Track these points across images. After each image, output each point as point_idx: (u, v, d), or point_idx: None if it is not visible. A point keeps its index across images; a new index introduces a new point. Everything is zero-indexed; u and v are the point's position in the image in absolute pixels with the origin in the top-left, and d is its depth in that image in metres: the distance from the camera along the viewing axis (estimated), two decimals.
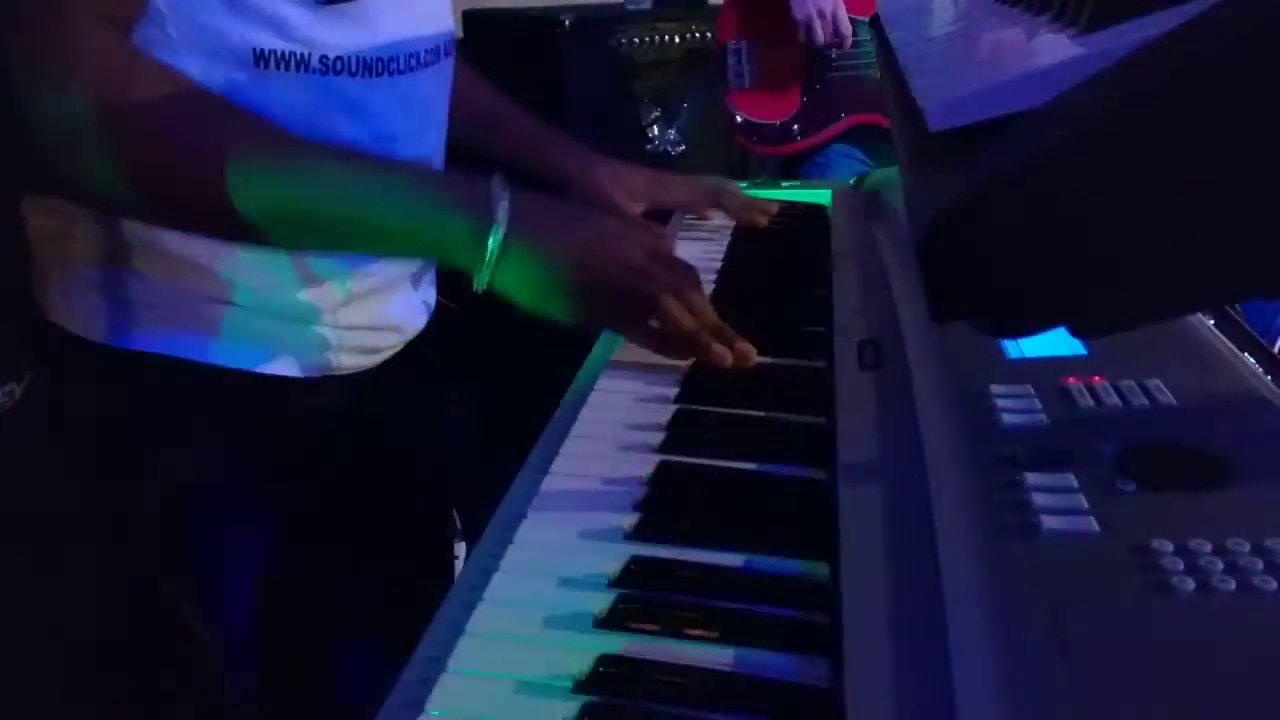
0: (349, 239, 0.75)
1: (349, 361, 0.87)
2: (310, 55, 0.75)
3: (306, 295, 0.82)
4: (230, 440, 0.83)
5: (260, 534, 0.84)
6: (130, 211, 0.75)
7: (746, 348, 0.79)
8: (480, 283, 0.71)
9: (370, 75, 0.78)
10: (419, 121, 0.86)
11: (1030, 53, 0.40)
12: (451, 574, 1.14)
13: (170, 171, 0.69)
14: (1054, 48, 0.39)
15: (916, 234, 0.34)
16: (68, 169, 0.70)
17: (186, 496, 0.82)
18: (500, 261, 0.70)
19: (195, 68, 0.71)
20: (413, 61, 0.82)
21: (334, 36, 0.75)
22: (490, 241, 0.69)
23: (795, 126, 1.87)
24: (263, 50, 0.73)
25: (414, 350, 0.94)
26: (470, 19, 2.29)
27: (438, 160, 0.91)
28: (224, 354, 0.80)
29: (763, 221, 1.13)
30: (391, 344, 0.91)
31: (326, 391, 0.85)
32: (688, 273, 0.78)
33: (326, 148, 0.74)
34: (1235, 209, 0.29)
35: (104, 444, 0.83)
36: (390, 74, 0.80)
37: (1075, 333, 0.35)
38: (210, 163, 0.68)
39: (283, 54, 0.73)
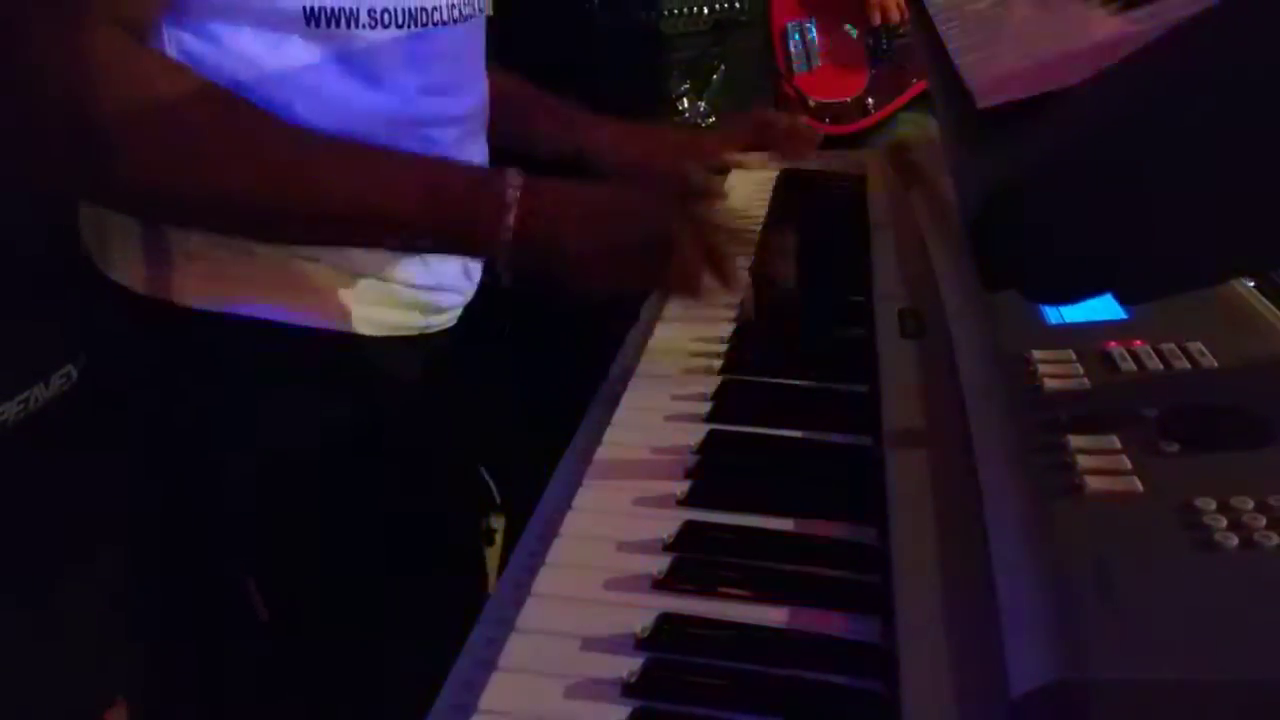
0: (364, 236, 0.78)
1: (419, 320, 0.89)
2: (359, 10, 0.76)
3: (375, 254, 0.84)
4: (311, 400, 0.85)
5: (322, 501, 0.87)
6: (141, 213, 0.78)
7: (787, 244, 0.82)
8: (503, 268, 0.74)
9: (416, 26, 0.80)
10: (463, 75, 0.88)
11: (1071, 30, 0.41)
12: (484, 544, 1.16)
13: (182, 175, 0.71)
14: (1094, 25, 0.40)
15: (968, 209, 0.35)
16: (75, 174, 0.71)
17: (264, 458, 0.85)
18: (517, 246, 0.73)
19: (245, 30, 0.74)
20: (454, 13, 0.84)
21: None
22: (503, 229, 0.72)
23: (869, 100, 1.84)
24: (313, 8, 0.75)
25: (469, 320, 0.96)
26: None
27: (482, 115, 0.93)
28: (299, 314, 0.82)
29: (810, 151, 1.13)
30: (453, 304, 0.93)
31: (395, 354, 0.88)
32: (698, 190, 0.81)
33: (340, 143, 0.75)
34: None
35: (167, 410, 0.86)
36: (435, 24, 0.82)
37: (1122, 300, 0.37)
38: (217, 168, 0.70)
39: (332, 10, 0.75)
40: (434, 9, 0.81)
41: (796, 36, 1.86)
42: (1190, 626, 0.43)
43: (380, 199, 0.74)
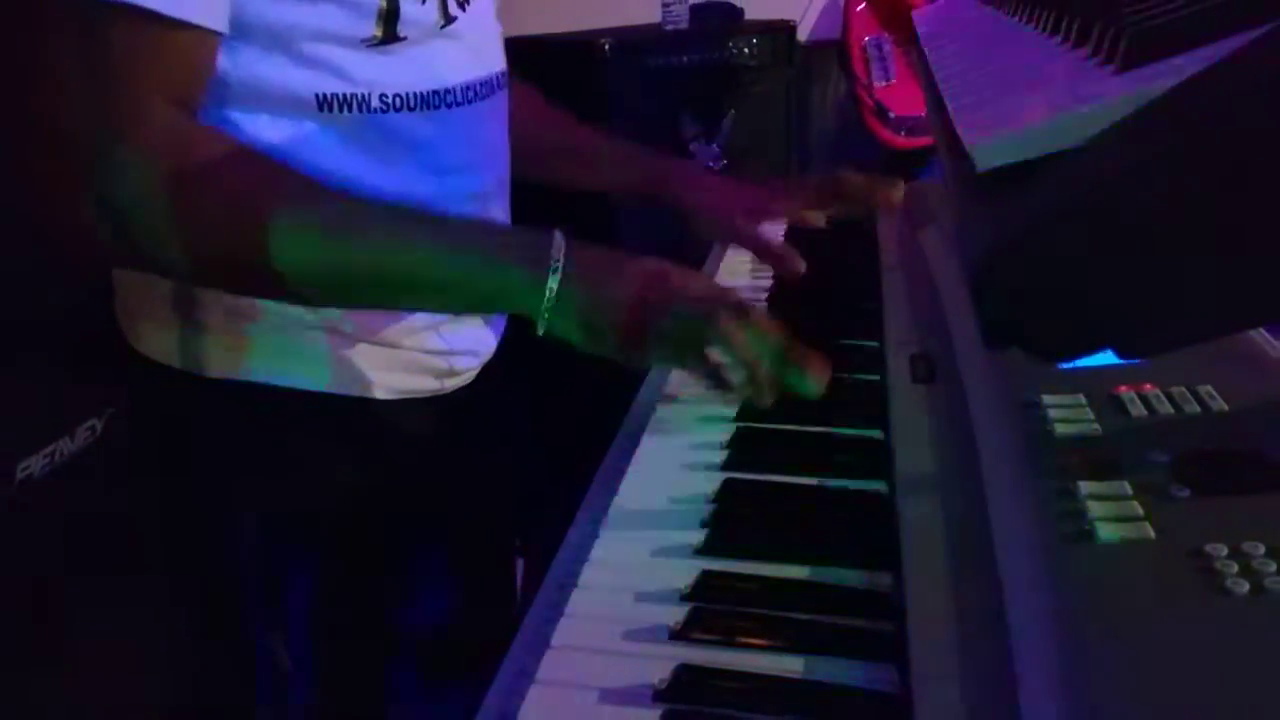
0: (409, 298, 0.78)
1: (431, 384, 0.91)
2: (370, 95, 0.78)
3: (394, 321, 0.86)
4: (325, 463, 0.86)
5: (344, 559, 0.88)
6: (182, 277, 0.79)
7: (818, 362, 0.73)
8: (539, 329, 0.72)
9: (427, 109, 0.82)
10: (480, 153, 0.89)
11: (1071, 91, 0.43)
12: (514, 592, 1.17)
13: (226, 244, 0.71)
14: (1094, 86, 0.41)
15: (968, 267, 0.36)
16: (121, 240, 0.71)
17: (281, 520, 0.86)
18: (557, 308, 0.71)
19: (262, 117, 0.75)
20: (469, 94, 0.85)
21: (390, 76, 0.79)
22: (547, 291, 0.71)
23: None
24: (325, 95, 0.76)
25: (488, 375, 0.97)
26: (512, 45, 2.34)
27: (502, 190, 0.94)
28: (316, 379, 0.84)
29: (897, 198, 1.05)
30: (470, 367, 0.94)
31: (410, 414, 0.89)
32: (745, 302, 0.78)
33: (381, 207, 0.75)
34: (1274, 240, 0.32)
35: (196, 472, 0.88)
36: (448, 106, 0.83)
37: (1122, 355, 0.38)
38: (264, 232, 0.70)
39: (345, 96, 0.77)
40: (447, 91, 0.83)
41: (877, 51, 1.93)
42: (1200, 674, 0.44)
43: (427, 260, 0.74)
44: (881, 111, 1.92)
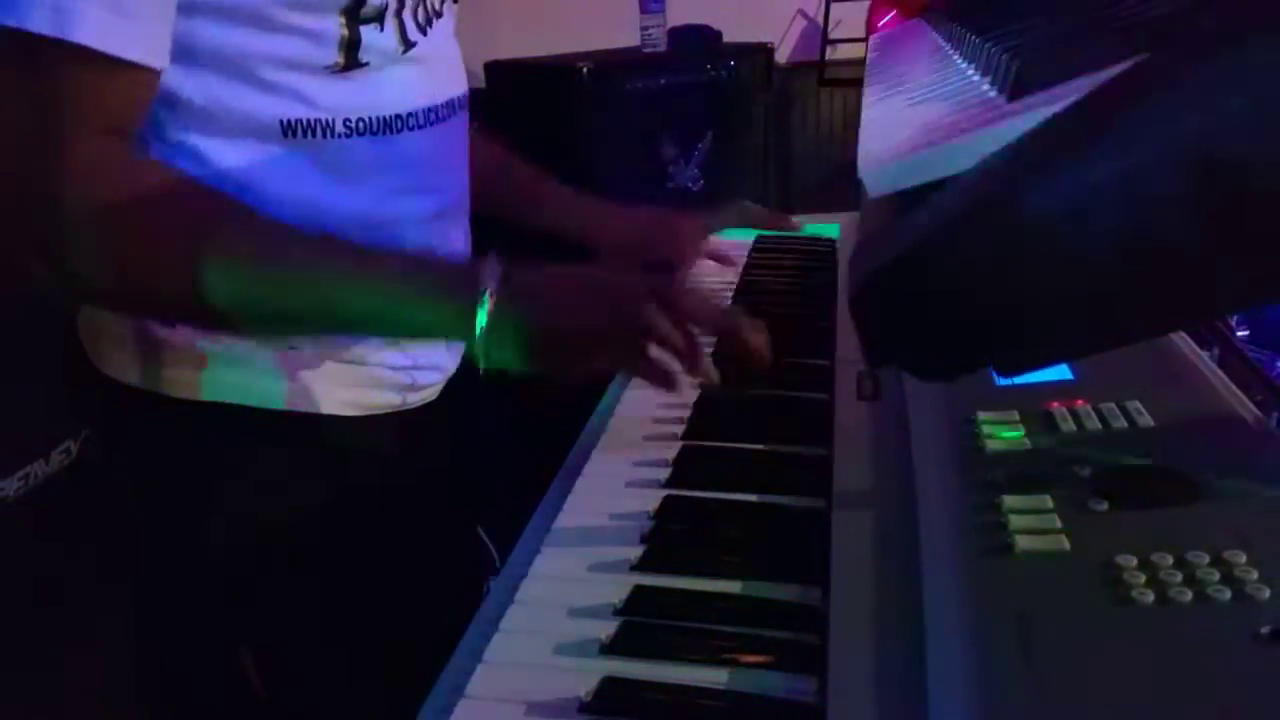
0: (344, 329, 0.80)
1: (393, 399, 0.92)
2: (334, 120, 0.79)
3: (353, 339, 0.86)
4: (286, 480, 0.87)
5: (313, 572, 0.89)
6: (117, 309, 0.81)
7: (758, 341, 0.75)
8: (480, 362, 0.72)
9: (390, 133, 0.83)
10: (441, 175, 0.91)
11: (963, 119, 0.44)
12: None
13: (156, 277, 0.72)
14: (984, 114, 0.43)
15: (850, 289, 0.38)
16: (57, 276, 0.71)
17: (244, 538, 0.87)
18: (491, 338, 0.71)
19: (224, 142, 0.77)
20: (431, 117, 0.87)
21: (353, 101, 0.80)
22: (478, 324, 0.71)
23: None
24: (290, 121, 0.78)
25: (452, 390, 0.99)
26: (492, 69, 2.37)
27: (463, 209, 0.95)
28: (274, 397, 0.85)
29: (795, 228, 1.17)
30: (433, 382, 0.96)
31: (375, 429, 0.90)
32: (661, 282, 0.77)
33: (315, 240, 0.75)
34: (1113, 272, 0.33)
35: (162, 493, 0.89)
36: (409, 130, 0.85)
37: (1000, 373, 0.39)
38: (193, 266, 0.70)
39: (309, 122, 0.78)
40: (408, 115, 0.84)
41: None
42: (1102, 682, 0.45)
43: (359, 292, 0.74)
44: None
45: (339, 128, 0.80)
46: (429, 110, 0.87)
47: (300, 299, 0.73)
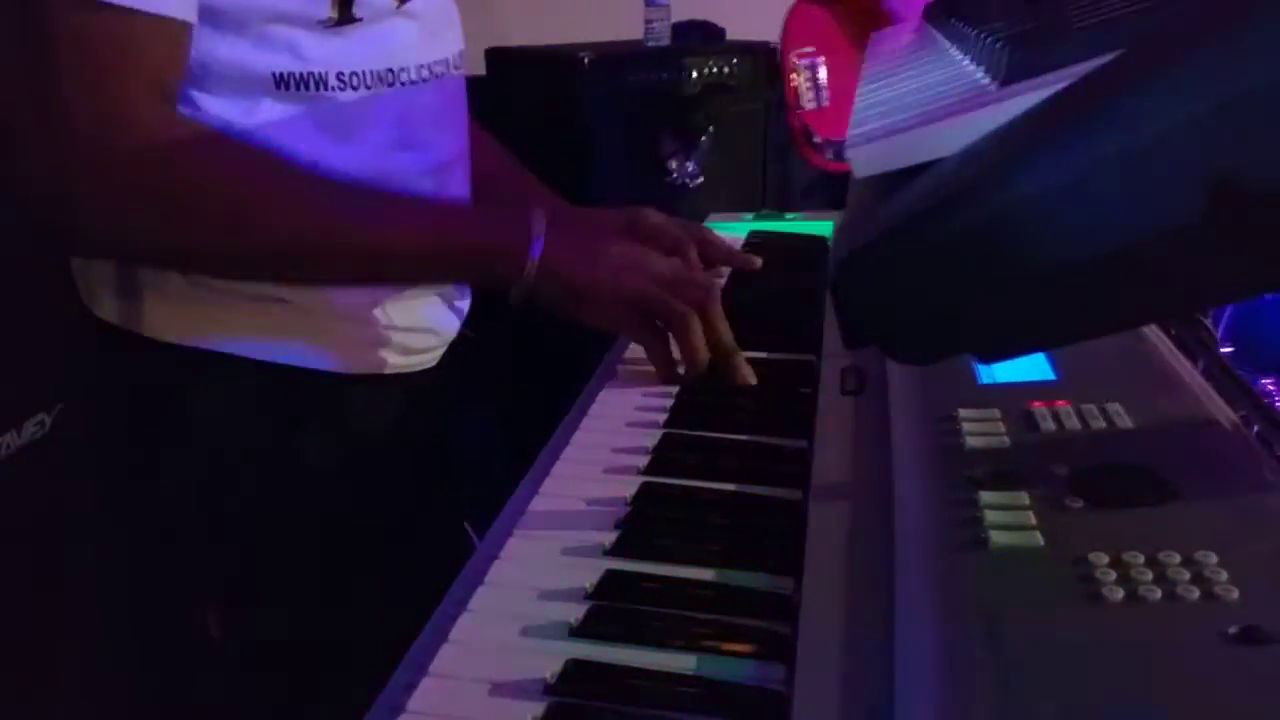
0: (394, 276, 0.85)
1: (394, 360, 0.92)
2: (327, 74, 0.80)
3: (350, 295, 0.87)
4: (277, 437, 0.88)
5: (294, 532, 0.89)
6: (160, 263, 0.82)
7: (748, 375, 0.86)
8: (516, 297, 0.82)
9: (383, 87, 0.84)
10: (437, 129, 0.91)
11: (952, 104, 0.44)
12: None
13: (216, 229, 0.76)
14: (970, 100, 0.43)
15: (831, 270, 0.38)
16: (104, 230, 0.76)
17: (228, 494, 0.87)
18: (538, 278, 0.81)
19: (221, 96, 0.77)
20: (424, 73, 0.88)
21: (346, 55, 0.81)
22: (528, 263, 0.80)
23: None
24: (282, 74, 0.79)
25: (450, 361, 0.99)
26: (492, 56, 2.36)
27: (461, 165, 0.96)
28: (274, 351, 0.85)
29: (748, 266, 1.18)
30: (430, 346, 0.95)
31: (373, 391, 0.91)
32: (708, 287, 0.85)
33: (362, 187, 0.81)
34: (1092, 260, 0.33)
35: (139, 442, 0.89)
36: (404, 85, 0.85)
37: (981, 359, 0.39)
38: (258, 217, 0.76)
39: (301, 75, 0.79)
40: (401, 70, 0.85)
41: (806, 73, 1.93)
42: (1068, 677, 0.45)
43: (408, 233, 0.81)
44: (808, 135, 1.94)
45: (332, 81, 0.81)
46: (422, 66, 0.87)
47: (356, 242, 0.79)
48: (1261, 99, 0.34)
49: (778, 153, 2.58)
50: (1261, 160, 0.34)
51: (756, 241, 1.25)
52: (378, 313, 0.89)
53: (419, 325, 0.93)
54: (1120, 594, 0.49)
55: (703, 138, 2.40)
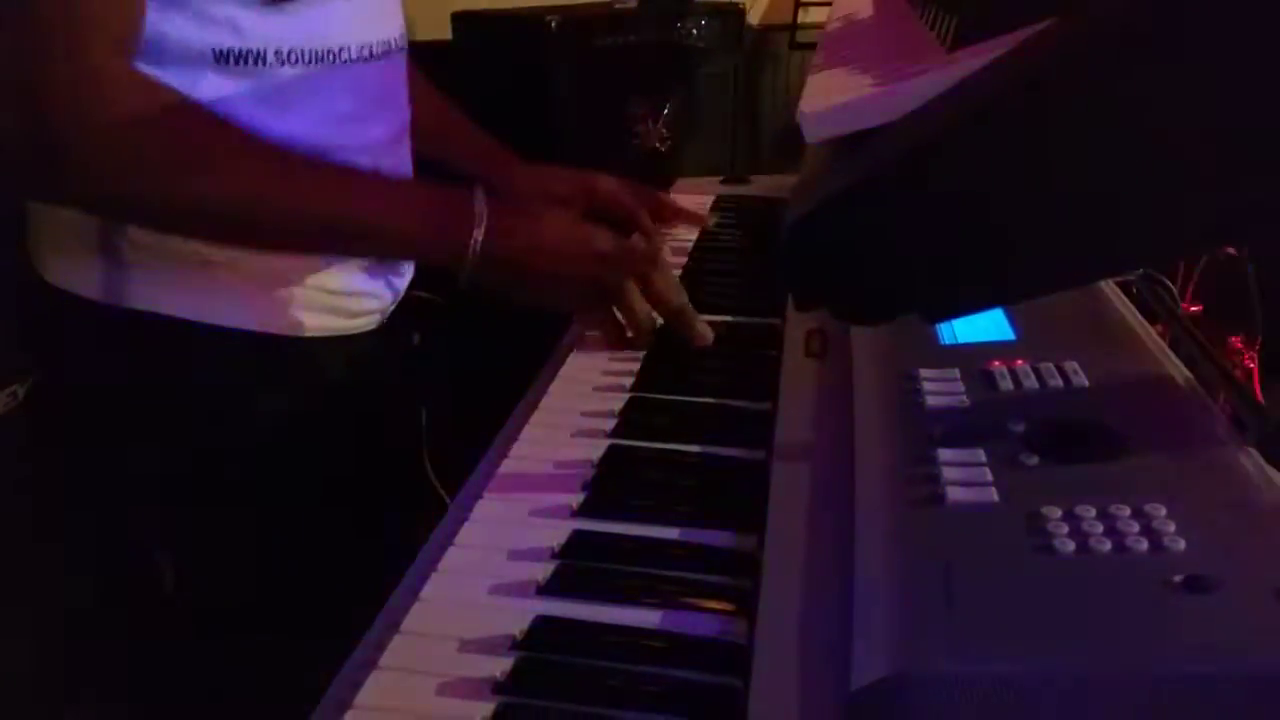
0: (334, 246, 0.87)
1: (335, 323, 0.92)
2: (265, 51, 0.81)
3: (285, 260, 0.88)
4: (226, 399, 0.88)
5: (254, 497, 0.90)
6: (114, 215, 0.81)
7: (705, 332, 0.88)
8: (462, 282, 0.83)
9: (321, 64, 0.84)
10: (374, 107, 0.92)
11: (904, 69, 0.45)
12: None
13: (173, 184, 0.77)
14: (918, 65, 0.43)
15: (780, 235, 0.38)
16: (72, 186, 0.77)
17: (183, 459, 0.88)
18: (480, 265, 0.82)
19: (163, 69, 0.78)
20: (364, 52, 0.88)
21: (285, 34, 0.82)
22: (470, 251, 0.81)
23: None
24: (222, 50, 0.80)
25: (399, 323, 1.00)
26: (459, 20, 2.34)
27: (400, 144, 0.97)
28: (215, 312, 0.85)
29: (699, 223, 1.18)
30: (369, 309, 0.96)
31: (318, 351, 0.91)
32: (650, 257, 0.87)
33: (315, 160, 0.82)
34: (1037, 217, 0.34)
35: (103, 407, 0.89)
36: (342, 62, 0.86)
37: (926, 319, 0.40)
38: (210, 175, 0.77)
39: (240, 52, 0.80)
40: (340, 49, 0.86)
41: None
42: (1019, 625, 0.46)
43: (356, 208, 0.82)
44: None
45: (270, 58, 0.82)
46: (362, 46, 0.88)
47: (304, 212, 0.80)
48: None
49: (747, 116, 2.58)
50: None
51: (722, 204, 1.25)
52: (316, 278, 0.90)
53: (355, 289, 0.94)
54: (1071, 546, 0.50)
55: (670, 102, 2.39)
